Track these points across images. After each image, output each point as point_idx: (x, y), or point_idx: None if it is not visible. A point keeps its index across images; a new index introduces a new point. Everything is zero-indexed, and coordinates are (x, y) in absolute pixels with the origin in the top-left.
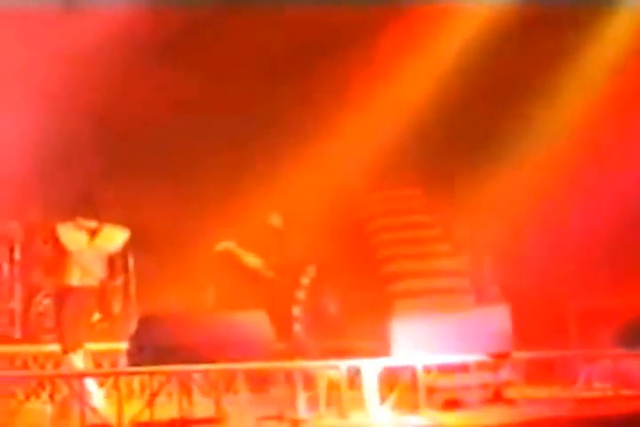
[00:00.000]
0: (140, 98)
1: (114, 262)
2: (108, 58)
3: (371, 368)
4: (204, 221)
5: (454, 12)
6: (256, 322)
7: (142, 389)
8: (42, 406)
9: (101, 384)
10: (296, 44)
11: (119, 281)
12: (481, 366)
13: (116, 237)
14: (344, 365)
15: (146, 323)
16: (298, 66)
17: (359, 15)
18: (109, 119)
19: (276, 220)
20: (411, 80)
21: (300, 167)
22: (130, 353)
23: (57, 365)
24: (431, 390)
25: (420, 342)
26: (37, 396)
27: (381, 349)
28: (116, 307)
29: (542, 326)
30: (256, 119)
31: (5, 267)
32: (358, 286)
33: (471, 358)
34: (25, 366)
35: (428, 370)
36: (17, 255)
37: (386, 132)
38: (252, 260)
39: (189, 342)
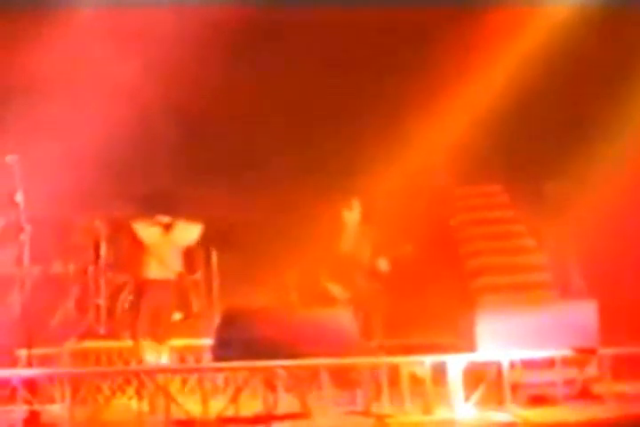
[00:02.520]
0: (218, 94)
1: (193, 257)
2: (187, 55)
3: (455, 364)
4: (289, 215)
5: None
6: (340, 318)
7: (226, 384)
8: (128, 402)
9: (185, 380)
10: (380, 39)
11: (199, 276)
12: (567, 361)
13: (190, 232)
14: (429, 360)
15: (230, 318)
16: (384, 60)
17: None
18: (190, 116)
19: (354, 209)
20: (493, 73)
21: (381, 164)
22: (214, 348)
23: (141, 360)
24: (517, 386)
25: (506, 337)
26: (123, 391)
27: (466, 344)
28: (198, 302)
29: (630, 322)
30: (338, 117)
31: (91, 263)
32: (441, 282)
33: (557, 353)
34: (110, 361)
35: (513, 366)
36: (102, 252)
37: (467, 128)
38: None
39: (274, 338)
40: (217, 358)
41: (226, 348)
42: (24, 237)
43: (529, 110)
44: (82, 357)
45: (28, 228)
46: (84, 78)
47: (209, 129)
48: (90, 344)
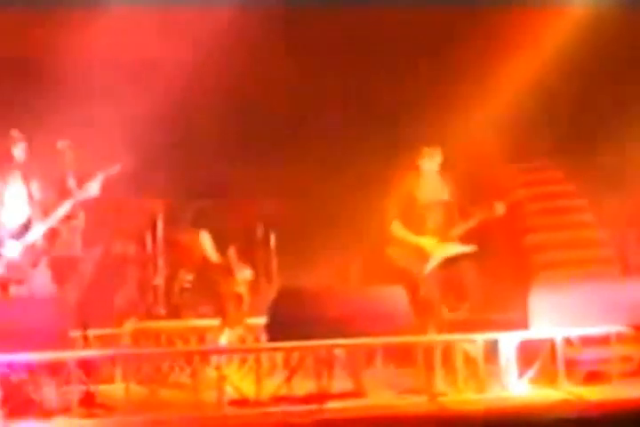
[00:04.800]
0: (280, 88)
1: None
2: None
3: (508, 341)
4: (350, 196)
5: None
6: (395, 296)
7: (284, 363)
8: (183, 381)
9: (244, 360)
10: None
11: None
12: (623, 338)
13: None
14: (481, 338)
15: (284, 297)
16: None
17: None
18: (246, 101)
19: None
20: (544, 50)
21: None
22: (268, 328)
23: (201, 340)
24: (571, 363)
25: (560, 313)
26: (181, 371)
27: (521, 321)
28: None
29: None
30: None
31: (149, 244)
32: (499, 257)
33: (612, 329)
34: (170, 342)
35: (569, 343)
36: (159, 233)
37: (520, 103)
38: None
39: (327, 317)
40: (271, 337)
41: (279, 327)
42: (78, 222)
43: (581, 88)
44: (142, 337)
45: (81, 213)
46: (142, 65)
47: (263, 114)
48: (149, 324)
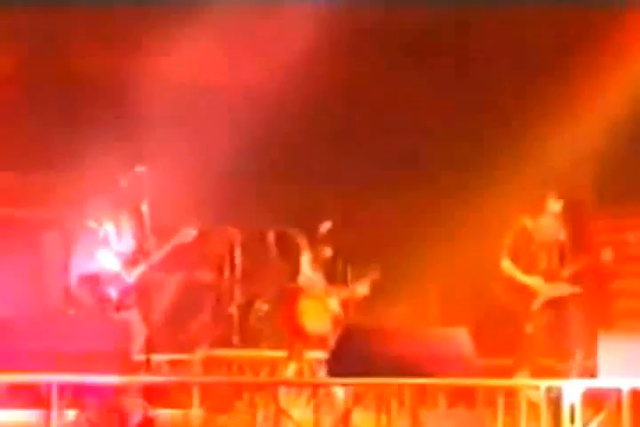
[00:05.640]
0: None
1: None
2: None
3: (572, 389)
4: (431, 228)
5: None
6: (459, 337)
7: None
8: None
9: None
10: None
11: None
12: None
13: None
14: (544, 384)
15: (348, 333)
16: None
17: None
18: (343, 125)
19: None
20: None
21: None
22: (329, 362)
23: (272, 371)
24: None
25: (630, 363)
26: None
27: (590, 369)
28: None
29: None
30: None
31: (226, 272)
32: (581, 303)
33: None
34: (241, 371)
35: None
36: (237, 260)
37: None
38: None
39: (390, 355)
40: (331, 372)
41: (340, 362)
42: (148, 247)
43: None
44: (213, 365)
45: (152, 239)
46: (221, 84)
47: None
48: (221, 352)
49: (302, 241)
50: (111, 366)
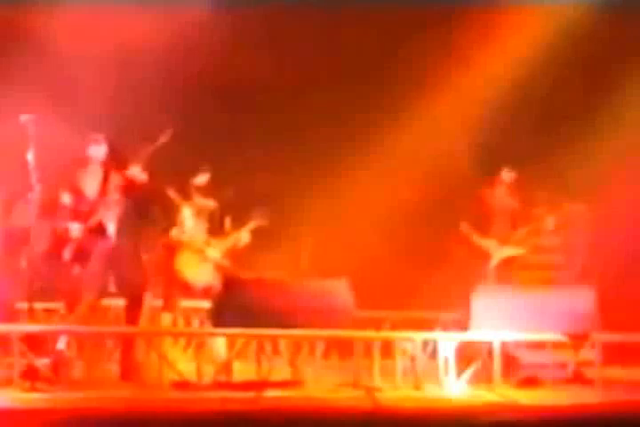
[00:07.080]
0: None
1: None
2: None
3: (447, 342)
4: (308, 187)
5: None
6: (338, 290)
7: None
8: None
9: (188, 344)
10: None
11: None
12: (560, 344)
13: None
14: (420, 337)
15: (230, 285)
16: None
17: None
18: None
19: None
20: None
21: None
22: (212, 313)
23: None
24: (508, 366)
25: (501, 316)
26: None
27: (465, 321)
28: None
29: (630, 309)
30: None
31: None
32: (455, 257)
33: (549, 337)
34: (117, 320)
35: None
36: None
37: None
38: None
39: (270, 306)
40: (214, 322)
41: (223, 313)
42: (34, 196)
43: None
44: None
45: (37, 187)
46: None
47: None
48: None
49: (177, 197)
50: None
